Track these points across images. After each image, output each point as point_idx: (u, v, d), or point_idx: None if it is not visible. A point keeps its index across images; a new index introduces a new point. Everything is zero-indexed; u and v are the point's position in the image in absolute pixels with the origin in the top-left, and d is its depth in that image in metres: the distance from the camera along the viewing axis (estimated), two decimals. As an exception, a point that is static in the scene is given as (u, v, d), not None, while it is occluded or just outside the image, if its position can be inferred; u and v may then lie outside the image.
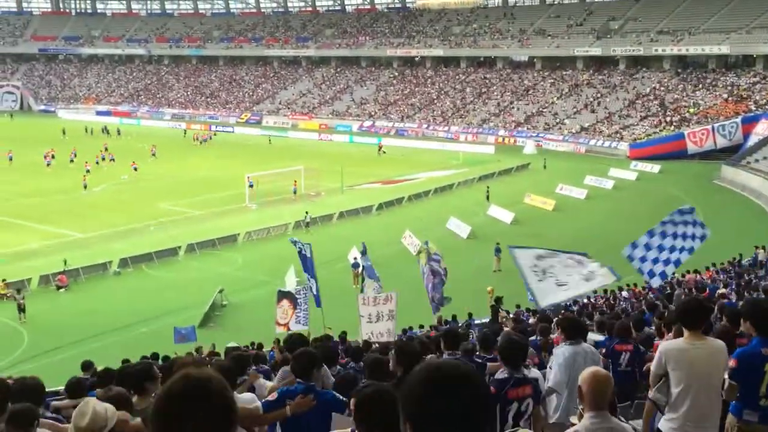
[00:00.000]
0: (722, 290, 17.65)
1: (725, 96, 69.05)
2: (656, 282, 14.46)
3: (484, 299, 23.74)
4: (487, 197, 44.83)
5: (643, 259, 13.59)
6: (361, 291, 19.06)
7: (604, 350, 8.59)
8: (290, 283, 23.67)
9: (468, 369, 2.10)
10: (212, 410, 2.00)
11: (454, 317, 20.19)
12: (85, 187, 47.59)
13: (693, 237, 13.48)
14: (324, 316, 18.28)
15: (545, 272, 12.90)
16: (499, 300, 20.63)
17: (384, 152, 67.91)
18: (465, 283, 25.87)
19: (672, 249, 13.46)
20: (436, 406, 1.97)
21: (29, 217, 39.51)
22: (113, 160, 58.62)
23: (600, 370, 4.19)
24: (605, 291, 24.31)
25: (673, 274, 25.17)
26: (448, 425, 1.97)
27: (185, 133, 74.58)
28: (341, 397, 5.37)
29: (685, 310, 5.27)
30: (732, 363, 5.17)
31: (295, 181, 47.01)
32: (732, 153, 56.72)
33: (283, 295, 19.71)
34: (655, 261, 13.74)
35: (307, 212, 38.90)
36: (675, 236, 13.42)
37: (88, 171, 52.24)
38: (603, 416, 3.82)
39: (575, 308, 20.30)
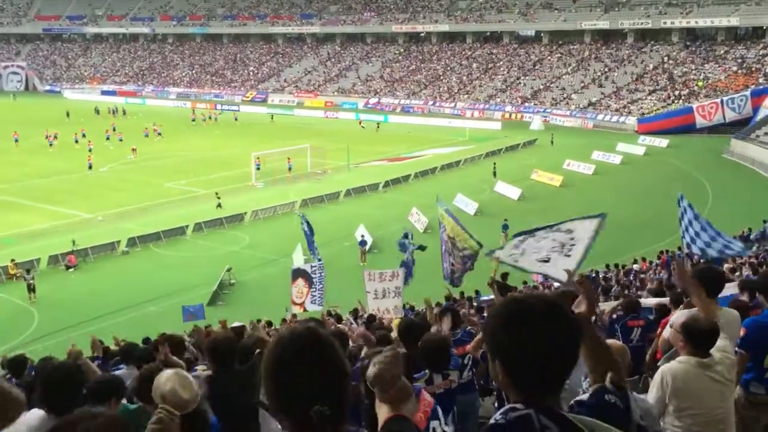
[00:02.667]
0: (729, 265, 17.52)
1: (734, 69, 68.34)
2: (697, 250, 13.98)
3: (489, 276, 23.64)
4: (494, 173, 44.66)
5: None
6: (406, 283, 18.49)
7: (615, 325, 8.59)
8: (298, 261, 23.65)
9: (555, 301, 2.05)
10: (326, 363, 2.02)
11: (461, 294, 20.17)
12: (90, 167, 47.62)
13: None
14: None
15: (524, 253, 12.72)
16: (505, 277, 20.53)
17: (363, 127, 69.61)
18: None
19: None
20: (526, 339, 1.93)
21: (37, 198, 39.63)
22: (121, 140, 58.61)
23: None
24: (616, 265, 24.27)
25: (679, 249, 25.13)
26: (540, 359, 1.93)
27: (194, 120, 74.13)
28: None
29: (702, 276, 5.16)
30: (742, 331, 5.12)
31: (289, 158, 46.83)
32: (741, 126, 56.24)
33: (298, 273, 19.54)
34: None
35: (216, 193, 37.90)
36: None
37: (90, 150, 52.37)
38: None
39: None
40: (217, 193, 38.27)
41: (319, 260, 19.75)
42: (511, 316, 1.97)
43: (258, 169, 45.14)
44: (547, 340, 1.92)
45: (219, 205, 37.23)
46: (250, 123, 73.79)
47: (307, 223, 21.53)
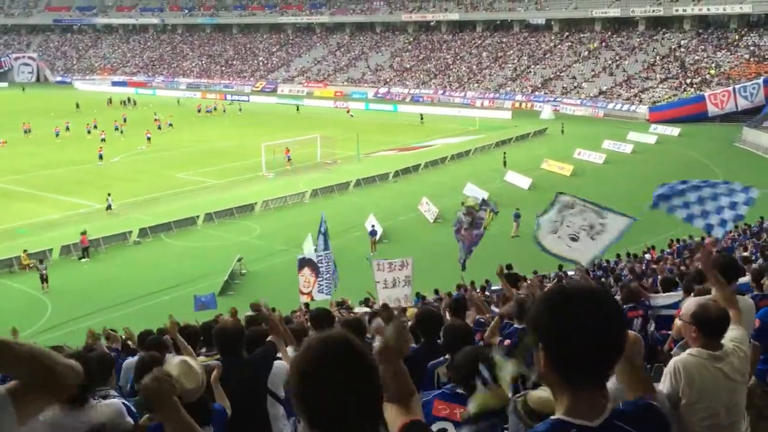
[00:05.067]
0: (745, 253, 17.46)
1: (747, 56, 67.73)
2: (719, 232, 13.60)
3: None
4: (504, 163, 44.52)
5: (686, 205, 12.81)
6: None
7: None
8: (308, 251, 23.69)
9: (594, 286, 2.05)
10: (357, 368, 1.92)
11: (471, 283, 20.17)
12: (101, 158, 47.81)
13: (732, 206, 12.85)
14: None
15: (562, 222, 12.66)
16: (509, 267, 20.47)
17: (352, 115, 70.32)
18: (481, 249, 25.76)
19: (719, 210, 12.87)
20: (569, 327, 1.92)
21: (48, 189, 39.86)
22: (122, 132, 58.62)
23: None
24: (628, 254, 24.20)
25: (690, 237, 25.06)
26: (583, 346, 1.92)
27: (199, 110, 74.12)
28: None
29: (715, 264, 5.11)
30: (756, 322, 5.10)
31: (287, 149, 46.67)
32: (753, 115, 55.78)
33: (304, 263, 19.53)
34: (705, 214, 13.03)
35: (109, 194, 35.77)
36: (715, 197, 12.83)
37: (103, 140, 52.64)
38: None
39: (600, 273, 20.21)
40: (109, 194, 35.65)
41: (326, 251, 19.75)
42: (555, 302, 1.98)
43: (289, 160, 45.63)
44: (592, 325, 1.91)
45: (109, 207, 34.98)
46: (255, 113, 73.78)
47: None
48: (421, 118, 66.45)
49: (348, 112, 73.20)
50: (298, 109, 75.77)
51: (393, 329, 2.30)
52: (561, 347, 1.94)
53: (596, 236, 12.47)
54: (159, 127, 60.38)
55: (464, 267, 17.31)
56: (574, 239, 12.49)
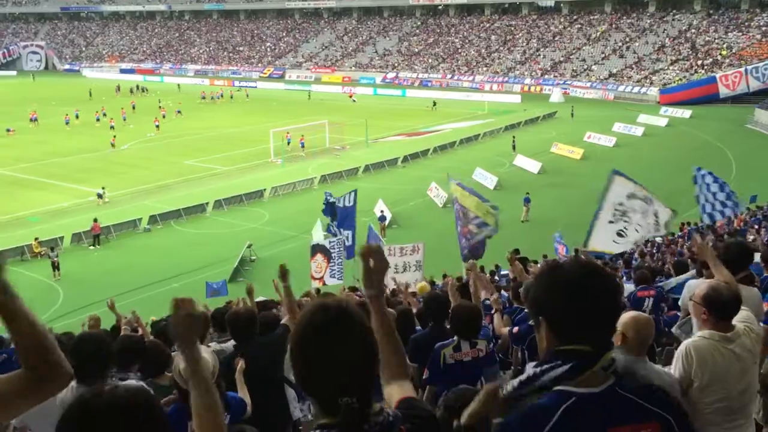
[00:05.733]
0: (756, 236, 17.32)
1: (759, 37, 66.98)
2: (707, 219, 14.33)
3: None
4: (513, 147, 44.32)
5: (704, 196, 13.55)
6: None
7: (626, 298, 8.52)
8: (317, 237, 23.70)
9: (585, 260, 2.18)
10: (355, 336, 1.94)
11: (481, 269, 20.11)
12: (113, 145, 47.90)
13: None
14: (355, 268, 18.33)
15: (624, 214, 12.71)
16: (517, 251, 20.42)
17: (354, 100, 70.62)
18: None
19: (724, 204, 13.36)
20: (567, 299, 2.00)
21: (59, 177, 40.00)
22: (124, 119, 58.66)
23: (641, 314, 4.04)
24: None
25: (701, 220, 24.90)
26: (582, 316, 1.99)
27: (204, 97, 74.09)
28: None
29: (727, 253, 5.07)
30: (766, 306, 5.03)
31: (288, 132, 46.52)
32: (766, 96, 55.25)
33: (317, 249, 19.64)
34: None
35: (104, 188, 35.43)
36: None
37: (112, 127, 52.77)
38: (639, 361, 3.72)
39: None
40: (103, 188, 35.44)
41: (335, 236, 19.78)
42: (551, 278, 2.07)
43: (289, 143, 45.39)
44: (589, 295, 2.00)
45: (99, 196, 34.57)
46: (263, 99, 73.67)
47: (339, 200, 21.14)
48: (434, 105, 65.98)
49: (350, 96, 73.14)
50: (309, 96, 75.41)
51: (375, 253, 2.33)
52: (561, 320, 2.02)
53: (640, 229, 12.55)
54: (164, 116, 59.90)
55: (465, 259, 17.27)
56: (621, 235, 12.57)
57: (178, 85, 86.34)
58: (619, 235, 12.75)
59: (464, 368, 5.22)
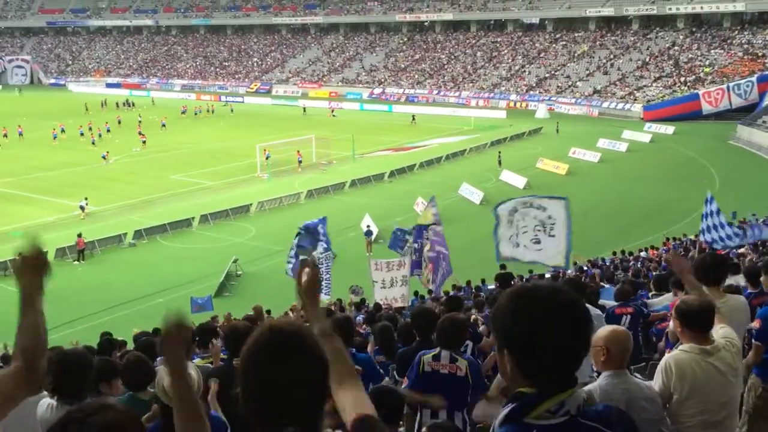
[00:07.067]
0: (741, 249, 17.51)
1: (740, 54, 67.92)
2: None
3: (496, 265, 23.67)
4: (499, 162, 44.55)
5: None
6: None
7: (604, 314, 8.55)
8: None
9: (555, 285, 2.02)
10: (304, 360, 1.89)
11: (468, 283, 20.20)
12: (104, 157, 47.68)
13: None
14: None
15: (517, 230, 13.21)
16: (503, 267, 20.49)
17: (335, 115, 71.44)
18: (474, 250, 25.81)
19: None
20: (536, 325, 1.88)
21: (43, 191, 39.74)
22: (100, 136, 58.17)
23: (619, 328, 4.09)
24: (623, 251, 24.22)
25: (684, 236, 25.18)
26: (549, 349, 1.87)
27: (184, 112, 73.92)
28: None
29: (703, 264, 5.13)
30: (756, 323, 5.08)
31: (299, 152, 46.47)
32: (747, 112, 55.97)
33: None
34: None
35: (86, 198, 35.33)
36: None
37: (93, 143, 52.92)
38: (620, 375, 3.76)
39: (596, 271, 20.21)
40: (85, 198, 35.23)
41: (326, 250, 19.73)
42: (519, 305, 1.93)
43: (268, 158, 45.12)
44: (557, 325, 1.88)
45: (82, 208, 34.57)
46: (250, 114, 73.66)
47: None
48: (413, 119, 66.43)
49: (332, 111, 73.77)
50: (305, 111, 75.00)
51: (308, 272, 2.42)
52: (527, 351, 1.90)
53: (553, 231, 12.84)
54: (140, 133, 57.62)
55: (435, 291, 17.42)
56: (536, 242, 12.86)
57: (152, 99, 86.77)
58: (535, 242, 13.20)
59: (440, 381, 5.20)
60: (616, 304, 8.87)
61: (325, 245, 19.09)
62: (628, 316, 8.51)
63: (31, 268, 2.55)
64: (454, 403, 5.22)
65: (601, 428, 1.95)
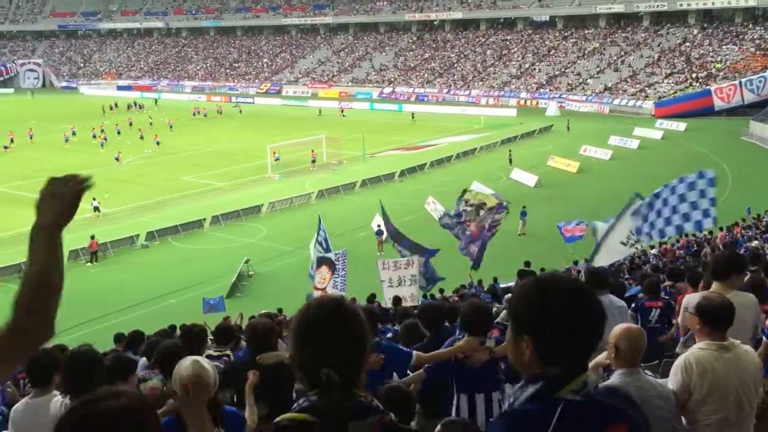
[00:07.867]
0: (755, 243, 17.39)
1: (752, 50, 67.42)
2: (708, 223, 14.01)
3: (507, 263, 23.62)
4: (510, 161, 44.45)
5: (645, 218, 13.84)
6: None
7: (633, 305, 8.53)
8: (314, 250, 23.66)
9: (569, 277, 2.22)
10: (346, 330, 2.20)
11: (479, 282, 20.17)
12: (117, 159, 48.00)
13: (702, 211, 13.18)
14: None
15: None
16: (528, 264, 20.52)
17: (344, 115, 71.58)
18: (488, 248, 25.72)
19: (675, 210, 13.32)
20: (552, 316, 2.01)
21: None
22: (142, 137, 58.25)
23: (632, 325, 4.07)
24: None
25: (701, 231, 24.98)
26: (573, 335, 2.01)
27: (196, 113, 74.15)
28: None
29: (716, 261, 5.13)
30: None
31: (313, 151, 46.73)
32: (760, 108, 55.53)
33: (323, 261, 19.65)
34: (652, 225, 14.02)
35: (95, 198, 34.58)
36: (682, 199, 13.19)
37: (102, 145, 53.48)
38: (634, 373, 3.75)
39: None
40: (94, 198, 34.57)
41: (327, 250, 19.84)
42: (537, 293, 2.08)
43: (277, 160, 45.20)
44: (575, 312, 2.01)
45: (96, 209, 34.31)
46: (261, 115, 73.82)
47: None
48: (413, 117, 66.92)
49: (342, 111, 73.87)
50: (320, 113, 74.56)
51: None
52: (538, 333, 2.03)
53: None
54: (141, 137, 58.02)
55: (478, 266, 17.39)
56: (624, 243, 13.03)
57: (155, 100, 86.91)
58: (623, 243, 13.30)
59: (471, 372, 5.14)
60: (645, 297, 8.82)
61: (324, 244, 19.17)
62: (658, 310, 8.48)
63: (61, 197, 2.13)
64: (490, 385, 5.20)
65: (612, 403, 2.10)
